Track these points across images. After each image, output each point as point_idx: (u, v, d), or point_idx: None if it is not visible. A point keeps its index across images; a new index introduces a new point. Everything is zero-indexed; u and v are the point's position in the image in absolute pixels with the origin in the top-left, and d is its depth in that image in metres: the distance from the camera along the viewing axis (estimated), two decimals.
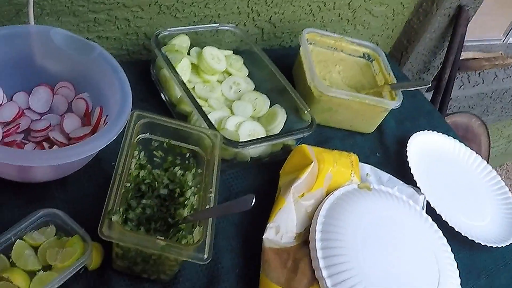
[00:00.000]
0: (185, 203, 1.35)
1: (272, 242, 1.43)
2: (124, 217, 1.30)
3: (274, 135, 1.67)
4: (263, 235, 1.44)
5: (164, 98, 1.77)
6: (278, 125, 1.70)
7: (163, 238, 1.19)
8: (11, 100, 1.58)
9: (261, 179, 1.64)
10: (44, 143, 1.51)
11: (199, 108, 1.55)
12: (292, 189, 1.49)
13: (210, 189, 1.29)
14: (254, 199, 1.14)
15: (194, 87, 1.73)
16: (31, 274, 1.26)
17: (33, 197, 1.43)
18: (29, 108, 1.60)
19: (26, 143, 1.50)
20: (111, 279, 1.33)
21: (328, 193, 1.55)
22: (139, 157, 1.40)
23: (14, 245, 1.28)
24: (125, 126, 1.35)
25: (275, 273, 1.37)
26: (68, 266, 1.24)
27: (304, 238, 1.47)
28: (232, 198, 1.54)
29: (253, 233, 1.47)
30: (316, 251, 1.40)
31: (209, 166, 1.34)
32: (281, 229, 1.45)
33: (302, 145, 1.60)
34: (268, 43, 2.25)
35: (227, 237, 1.48)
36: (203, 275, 1.39)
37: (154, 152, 1.42)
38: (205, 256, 1.16)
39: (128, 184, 1.31)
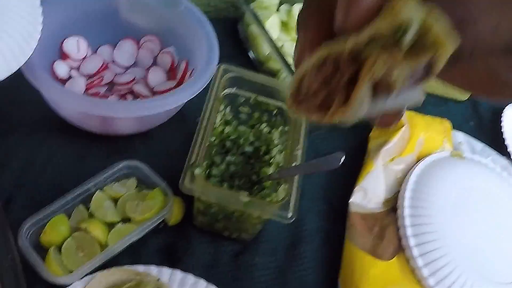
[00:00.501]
0: (271, 161, 1.30)
1: (358, 207, 1.37)
2: (207, 172, 1.26)
3: None
4: (349, 198, 1.38)
5: (251, 56, 1.72)
6: None
7: (247, 194, 1.14)
8: (96, 53, 1.56)
9: (350, 141, 1.57)
10: (128, 95, 1.48)
11: (288, 65, 1.49)
12: (382, 153, 1.43)
13: (297, 147, 1.24)
14: (343, 157, 1.08)
15: (283, 45, 1.67)
16: (110, 226, 1.24)
17: (115, 150, 1.41)
18: (113, 61, 1.58)
19: (109, 96, 1.48)
20: (191, 236, 1.30)
21: (418, 159, 1.48)
22: (224, 112, 1.35)
23: (94, 196, 1.26)
24: (211, 80, 1.31)
25: (360, 239, 1.32)
26: (148, 219, 1.22)
27: (392, 205, 1.40)
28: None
29: (339, 196, 1.42)
30: (404, 218, 1.33)
31: (297, 124, 1.29)
32: (368, 194, 1.39)
33: None
34: None
35: (312, 199, 1.43)
36: (286, 236, 1.35)
37: (240, 108, 1.37)
38: (290, 214, 1.11)
39: (213, 139, 1.27)
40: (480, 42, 0.43)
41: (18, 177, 1.34)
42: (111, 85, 1.52)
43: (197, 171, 1.14)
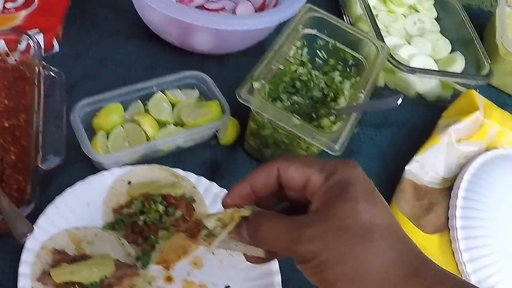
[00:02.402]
0: (336, 107, 1.25)
1: (413, 176, 1.31)
2: (270, 100, 1.22)
3: (446, 71, 1.53)
4: (406, 165, 1.32)
5: (344, 18, 1.68)
6: (454, 71, 1.56)
7: (299, 118, 1.10)
8: None
9: (421, 118, 1.50)
10: None
11: (376, 27, 1.45)
12: (450, 130, 1.35)
13: (362, 90, 1.20)
14: (401, 99, 1.04)
15: (377, 14, 1.62)
16: (162, 125, 1.23)
17: (189, 65, 1.38)
18: None
19: None
20: (239, 158, 1.28)
21: (487, 149, 1.40)
22: (302, 53, 1.32)
23: (153, 95, 1.25)
24: None
25: (407, 205, 1.26)
26: (199, 125, 1.19)
27: (449, 185, 1.33)
28: (385, 126, 1.43)
29: (396, 163, 1.36)
30: (457, 199, 1.26)
31: (368, 73, 1.25)
32: (426, 166, 1.32)
33: (472, 90, 1.45)
34: (465, 0, 2.07)
35: (368, 158, 1.38)
36: None
37: (317, 51, 1.33)
38: (337, 147, 1.07)
39: (281, 66, 1.23)
40: None
41: (89, 68, 1.36)
42: (199, 8, 1.50)
43: (256, 84, 1.11)
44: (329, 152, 1.08)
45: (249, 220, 0.74)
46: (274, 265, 1.09)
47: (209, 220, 0.75)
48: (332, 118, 1.20)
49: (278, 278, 1.08)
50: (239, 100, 1.10)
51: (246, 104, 1.11)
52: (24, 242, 1.01)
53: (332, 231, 0.67)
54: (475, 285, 0.68)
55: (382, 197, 0.72)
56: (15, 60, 1.23)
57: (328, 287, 0.69)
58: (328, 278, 0.68)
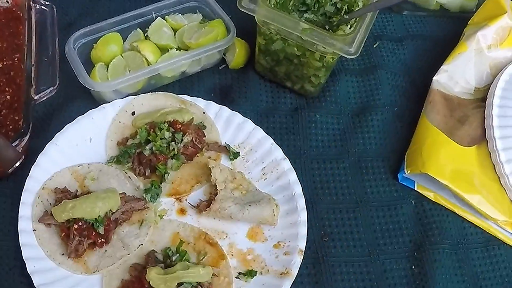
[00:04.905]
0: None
1: (442, 86, 1.18)
2: None
3: None
4: (434, 76, 1.19)
5: None
6: None
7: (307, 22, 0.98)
8: None
9: (445, 30, 1.36)
10: None
11: None
12: (478, 36, 1.21)
13: None
14: None
15: None
16: (164, 51, 1.10)
17: None
18: None
19: None
20: (250, 80, 1.16)
21: None
22: None
23: (153, 22, 1.13)
24: None
25: (438, 116, 1.13)
26: (203, 46, 1.07)
27: (483, 95, 1.19)
28: (407, 40, 1.30)
29: (422, 76, 1.23)
30: (492, 108, 1.13)
31: None
32: (455, 76, 1.19)
33: None
34: None
35: (391, 72, 1.24)
36: (354, 102, 1.19)
37: None
38: (352, 50, 0.94)
39: None
40: None
41: (86, 5, 1.25)
42: None
43: None
44: (345, 56, 0.95)
45: None
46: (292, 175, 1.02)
47: None
48: (347, 28, 1.07)
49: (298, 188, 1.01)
50: (241, 9, 0.98)
51: (249, 14, 0.98)
52: (11, 172, 0.95)
53: None
54: None
55: None
56: (7, 1, 1.14)
57: None
58: None
